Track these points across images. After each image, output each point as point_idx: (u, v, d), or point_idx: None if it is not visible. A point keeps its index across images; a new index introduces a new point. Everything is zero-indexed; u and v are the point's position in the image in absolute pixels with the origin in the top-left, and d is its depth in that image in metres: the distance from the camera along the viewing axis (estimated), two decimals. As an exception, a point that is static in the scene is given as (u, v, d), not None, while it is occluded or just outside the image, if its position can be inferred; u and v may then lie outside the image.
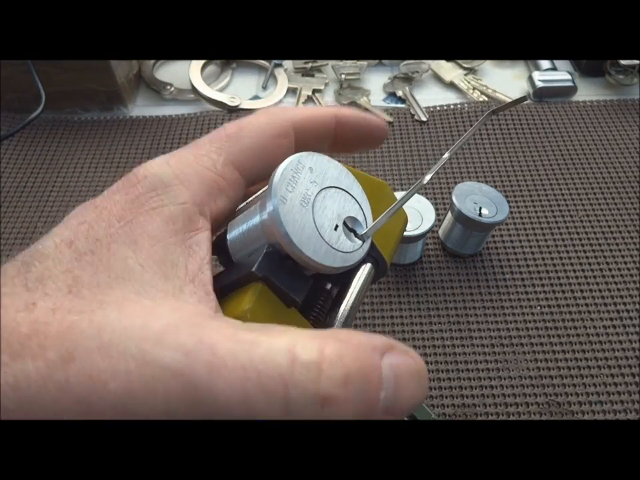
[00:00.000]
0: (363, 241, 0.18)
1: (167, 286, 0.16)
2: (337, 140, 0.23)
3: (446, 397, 0.35)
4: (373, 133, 0.24)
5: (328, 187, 0.18)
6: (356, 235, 0.18)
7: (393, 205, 0.18)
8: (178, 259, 0.17)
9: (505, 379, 0.36)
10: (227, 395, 0.14)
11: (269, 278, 0.17)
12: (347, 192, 0.19)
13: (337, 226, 0.18)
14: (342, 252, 0.18)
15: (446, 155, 0.21)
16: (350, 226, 0.18)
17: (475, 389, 0.35)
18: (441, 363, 0.37)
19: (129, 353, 0.14)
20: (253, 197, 0.19)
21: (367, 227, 0.19)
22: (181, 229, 0.17)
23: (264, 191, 0.18)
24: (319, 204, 0.18)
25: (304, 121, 0.21)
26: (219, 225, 0.19)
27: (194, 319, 0.15)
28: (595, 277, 0.41)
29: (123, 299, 0.16)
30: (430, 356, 0.37)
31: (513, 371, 0.36)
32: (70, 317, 0.15)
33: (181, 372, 0.14)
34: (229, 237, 0.19)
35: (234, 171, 0.19)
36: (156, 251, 0.16)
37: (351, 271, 0.20)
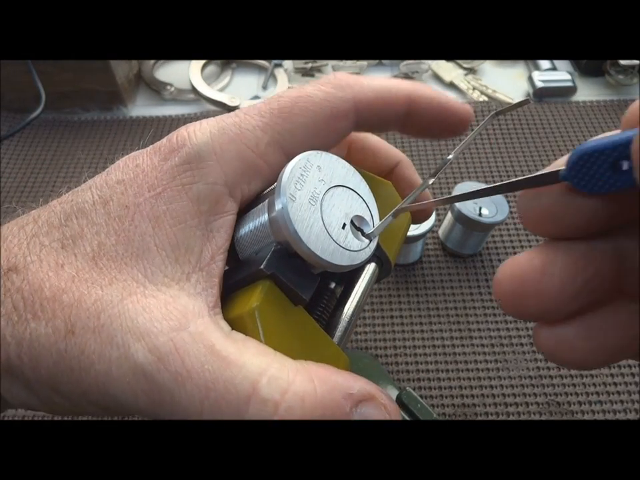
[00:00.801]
0: (370, 240, 0.18)
1: (174, 271, 0.16)
2: (408, 123, 0.20)
3: (446, 397, 0.35)
4: (451, 119, 0.20)
5: (336, 186, 0.18)
6: (363, 233, 0.18)
7: (400, 204, 0.18)
8: (195, 244, 0.17)
9: (504, 378, 0.36)
10: (185, 405, 0.14)
11: (277, 275, 0.17)
12: (354, 191, 0.19)
13: (344, 224, 0.18)
14: (349, 250, 0.18)
15: (450, 156, 0.21)
16: (357, 225, 0.18)
17: (475, 388, 0.35)
18: (441, 363, 0.37)
19: (115, 342, 0.15)
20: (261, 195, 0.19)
21: (373, 226, 0.19)
22: (206, 210, 0.17)
23: (271, 189, 0.18)
24: (327, 202, 0.18)
25: (369, 101, 0.19)
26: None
27: (182, 319, 0.16)
28: (594, 276, 0.41)
29: (131, 279, 0.16)
30: (430, 356, 0.37)
31: (512, 370, 0.36)
32: (83, 288, 0.16)
33: (150, 374, 0.15)
34: (236, 234, 0.19)
35: (278, 152, 0.18)
36: (174, 233, 0.17)
37: (356, 270, 0.20)
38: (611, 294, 0.14)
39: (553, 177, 0.13)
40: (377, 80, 0.20)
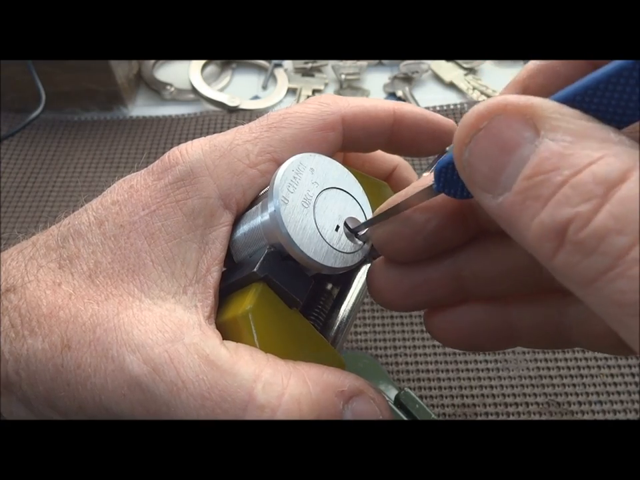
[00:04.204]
0: (364, 242, 0.18)
1: (170, 285, 0.17)
2: (394, 137, 0.21)
3: (446, 397, 0.35)
4: (435, 135, 0.21)
5: (329, 188, 0.18)
6: (357, 235, 0.18)
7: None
8: (191, 257, 0.17)
9: (504, 378, 0.36)
10: (182, 415, 0.15)
11: (271, 278, 0.17)
12: (348, 193, 0.19)
13: (337, 227, 0.18)
14: (343, 252, 0.18)
15: (447, 148, 0.21)
16: (351, 227, 0.18)
17: (475, 388, 0.35)
18: (441, 363, 0.37)
19: (110, 354, 0.15)
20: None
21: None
22: (201, 224, 0.17)
23: (265, 192, 0.18)
24: (320, 205, 0.18)
25: (355, 114, 0.20)
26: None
27: (176, 331, 0.16)
28: (594, 277, 0.41)
29: (127, 294, 0.17)
30: (430, 356, 0.37)
31: (512, 370, 0.36)
32: (79, 304, 0.16)
33: (146, 385, 0.15)
34: (231, 237, 0.19)
35: (270, 162, 0.19)
36: (170, 248, 0.17)
37: (352, 272, 0.20)
38: (460, 295, 0.18)
39: (431, 192, 0.15)
40: (362, 98, 0.21)
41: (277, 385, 0.15)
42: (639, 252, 0.10)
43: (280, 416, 0.14)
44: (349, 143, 0.20)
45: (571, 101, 0.12)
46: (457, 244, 0.17)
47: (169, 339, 0.15)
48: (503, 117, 0.12)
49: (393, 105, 0.20)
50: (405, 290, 0.18)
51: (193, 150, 0.18)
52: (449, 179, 0.15)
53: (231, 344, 0.16)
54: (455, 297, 0.18)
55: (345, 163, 0.19)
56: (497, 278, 0.17)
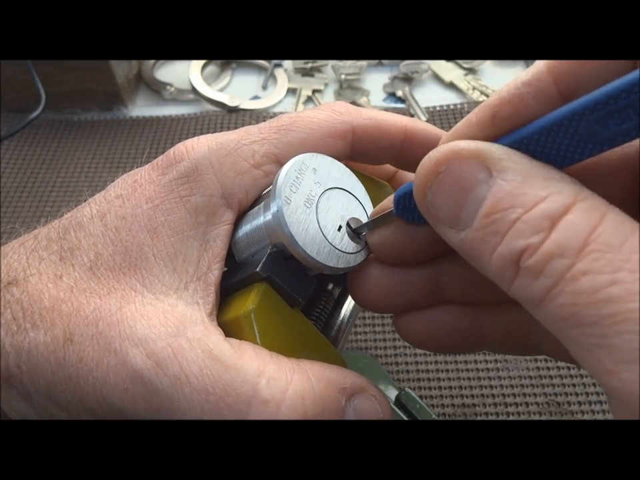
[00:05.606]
0: (366, 242, 0.18)
1: (172, 281, 0.17)
2: (403, 156, 0.21)
3: (446, 397, 0.35)
4: None
5: (331, 188, 0.18)
6: (359, 236, 0.18)
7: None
8: (192, 254, 0.17)
9: (504, 378, 0.36)
10: (185, 410, 0.15)
11: (273, 278, 0.17)
12: (350, 193, 0.19)
13: (340, 227, 0.18)
14: (345, 253, 0.18)
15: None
16: (353, 227, 0.18)
17: (475, 388, 0.35)
18: (441, 363, 0.37)
19: (113, 348, 0.15)
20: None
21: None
22: (203, 222, 0.17)
23: (268, 191, 0.18)
24: (323, 205, 0.18)
25: (367, 126, 0.20)
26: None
27: (179, 326, 0.16)
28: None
29: (130, 288, 0.17)
30: (430, 356, 0.37)
31: (512, 370, 0.36)
32: (82, 298, 0.16)
33: (148, 379, 0.15)
34: (233, 236, 0.19)
35: (274, 163, 0.19)
36: (172, 244, 0.17)
37: (353, 272, 0.20)
38: (435, 299, 0.19)
39: (391, 216, 0.17)
40: (375, 111, 0.21)
41: (280, 380, 0.15)
42: (577, 271, 0.12)
43: (284, 411, 0.14)
44: (357, 153, 0.20)
45: (518, 144, 0.14)
46: (445, 250, 0.18)
47: (172, 334, 0.15)
48: (458, 160, 0.14)
49: (405, 121, 0.20)
50: (384, 290, 0.18)
51: (198, 147, 0.18)
52: (407, 206, 0.16)
53: (234, 340, 0.16)
54: (430, 300, 0.19)
55: (347, 164, 0.19)
56: (474, 283, 0.18)
